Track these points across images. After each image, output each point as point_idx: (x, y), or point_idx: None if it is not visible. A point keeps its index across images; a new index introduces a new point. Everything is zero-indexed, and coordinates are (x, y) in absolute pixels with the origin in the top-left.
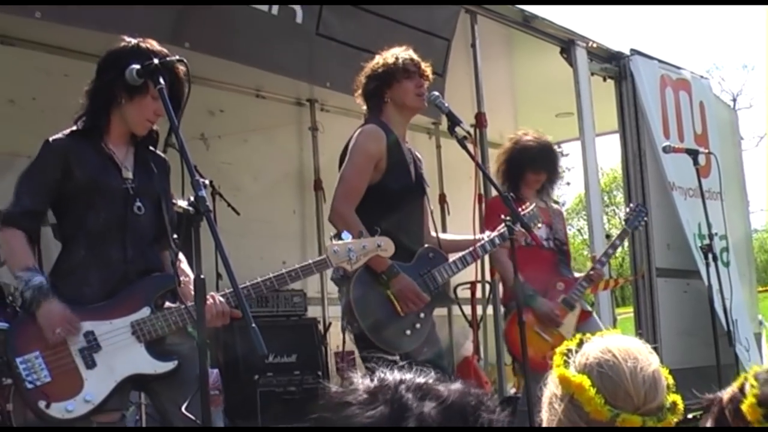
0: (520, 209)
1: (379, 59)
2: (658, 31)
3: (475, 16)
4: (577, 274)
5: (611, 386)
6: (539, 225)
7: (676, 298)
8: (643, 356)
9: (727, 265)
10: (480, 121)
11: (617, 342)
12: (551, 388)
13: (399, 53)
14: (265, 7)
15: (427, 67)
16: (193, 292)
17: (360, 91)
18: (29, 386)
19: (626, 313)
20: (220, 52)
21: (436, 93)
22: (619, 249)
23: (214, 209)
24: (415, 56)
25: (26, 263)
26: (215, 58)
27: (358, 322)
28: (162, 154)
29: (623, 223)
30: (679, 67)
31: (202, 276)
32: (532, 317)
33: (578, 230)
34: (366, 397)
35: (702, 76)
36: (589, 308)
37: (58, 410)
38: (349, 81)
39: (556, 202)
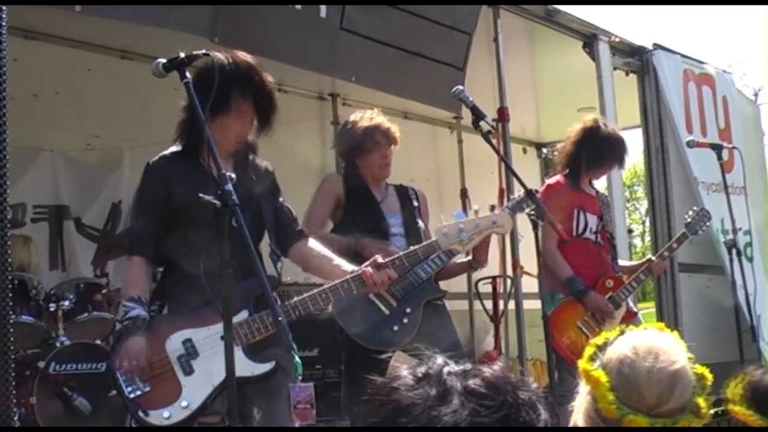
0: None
1: (356, 119)
2: (680, 25)
3: (497, 11)
4: (621, 262)
5: (627, 385)
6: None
7: (698, 293)
8: (667, 355)
9: (750, 260)
10: (502, 115)
11: (646, 338)
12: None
13: (372, 121)
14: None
15: (396, 132)
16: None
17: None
18: (130, 396)
19: (648, 308)
20: (247, 47)
21: (461, 87)
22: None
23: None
24: (386, 124)
25: (132, 293)
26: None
27: (346, 332)
28: (263, 162)
29: (685, 227)
30: (702, 62)
31: (229, 270)
32: (577, 311)
33: None
34: (413, 381)
35: (725, 71)
36: (635, 309)
37: (156, 417)
38: (374, 75)
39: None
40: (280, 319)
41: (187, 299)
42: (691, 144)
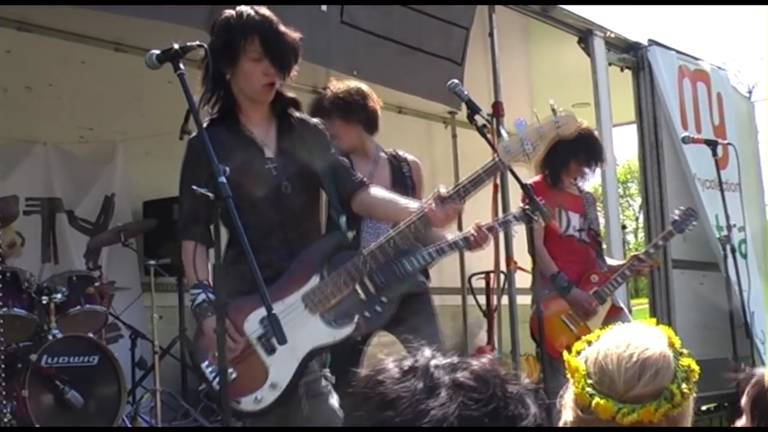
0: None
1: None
2: (675, 21)
3: (492, 6)
4: (609, 261)
5: (599, 372)
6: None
7: (692, 290)
8: (642, 343)
9: (745, 257)
10: (497, 110)
11: (628, 330)
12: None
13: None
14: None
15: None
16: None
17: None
18: (218, 387)
19: (641, 304)
20: None
21: (456, 81)
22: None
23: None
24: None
25: (194, 279)
26: None
27: None
28: (312, 119)
29: (671, 225)
30: (697, 58)
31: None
32: (562, 305)
33: None
34: (399, 374)
35: (720, 68)
36: (621, 304)
37: (249, 403)
38: (375, 69)
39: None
40: (273, 312)
41: (248, 277)
42: (686, 140)
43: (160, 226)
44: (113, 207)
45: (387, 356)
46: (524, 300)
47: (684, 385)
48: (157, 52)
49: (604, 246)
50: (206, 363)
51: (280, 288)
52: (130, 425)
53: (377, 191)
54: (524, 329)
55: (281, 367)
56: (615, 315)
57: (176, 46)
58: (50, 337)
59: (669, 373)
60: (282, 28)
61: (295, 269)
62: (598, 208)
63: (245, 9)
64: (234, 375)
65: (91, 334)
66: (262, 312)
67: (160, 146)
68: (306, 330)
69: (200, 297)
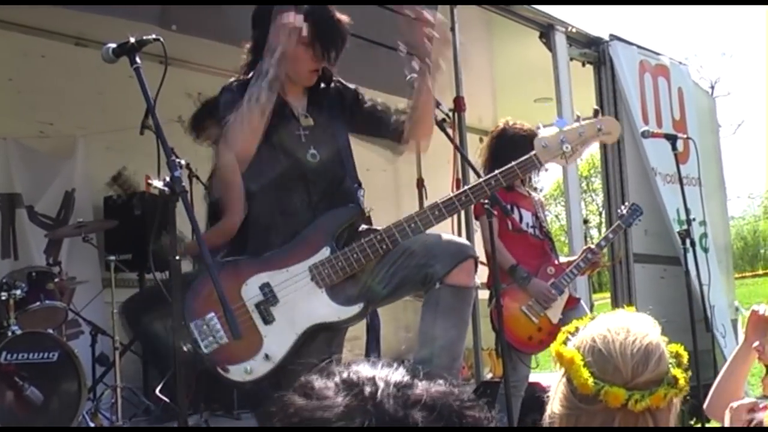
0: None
1: None
2: (637, 17)
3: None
4: (563, 259)
5: (601, 360)
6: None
7: (653, 284)
8: (640, 329)
9: (706, 251)
10: (458, 105)
11: (618, 318)
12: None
13: None
14: None
15: None
16: None
17: None
18: (206, 351)
19: (603, 298)
20: (208, 34)
21: (415, 75)
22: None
23: (191, 192)
24: None
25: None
26: (193, 39)
27: None
28: (339, 84)
29: (618, 219)
30: (657, 53)
31: (177, 258)
32: (520, 297)
33: (556, 216)
34: (343, 410)
35: (681, 63)
36: (577, 295)
37: (238, 372)
38: (338, 64)
39: (534, 188)
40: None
41: (268, 239)
42: (645, 134)
43: (121, 222)
44: (74, 202)
45: (320, 377)
46: (483, 294)
47: (677, 370)
48: (114, 45)
49: (566, 240)
50: (195, 323)
51: (286, 255)
52: (90, 422)
53: None
54: (486, 323)
55: (277, 339)
56: (573, 305)
57: (132, 39)
58: (9, 334)
59: (666, 358)
60: (336, 15)
61: (305, 237)
62: (561, 203)
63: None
64: (225, 340)
65: (51, 331)
66: (263, 277)
67: (121, 141)
68: (310, 303)
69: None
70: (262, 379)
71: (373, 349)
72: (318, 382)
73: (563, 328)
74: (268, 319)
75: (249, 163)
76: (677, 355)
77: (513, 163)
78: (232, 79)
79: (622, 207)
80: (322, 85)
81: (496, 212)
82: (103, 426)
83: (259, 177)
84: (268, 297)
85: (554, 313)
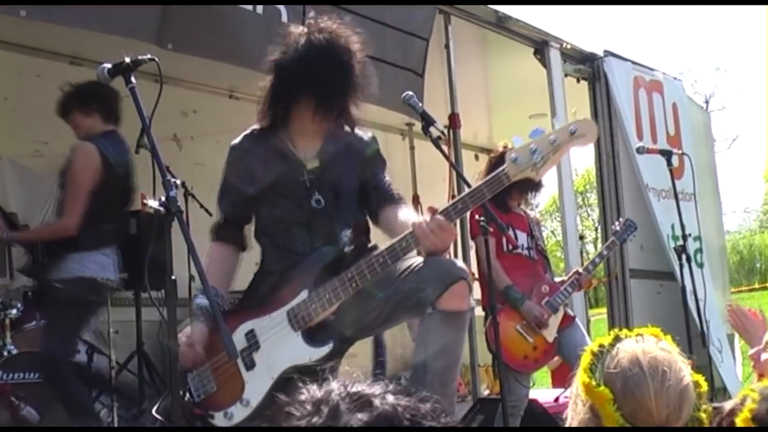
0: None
1: None
2: (631, 33)
3: (448, 17)
4: (557, 279)
5: (633, 404)
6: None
7: (649, 300)
8: (674, 372)
9: (701, 266)
10: (453, 121)
11: (649, 351)
12: (578, 387)
13: None
14: (249, 7)
15: None
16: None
17: None
18: (197, 400)
19: (599, 314)
20: (204, 53)
21: (411, 93)
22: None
23: (186, 210)
24: None
25: (207, 283)
26: (188, 57)
27: None
28: (365, 133)
29: (612, 235)
30: (652, 69)
31: (173, 277)
32: (515, 316)
33: (552, 231)
34: (310, 408)
35: (675, 78)
36: (572, 313)
37: (221, 419)
38: None
39: (529, 204)
40: (227, 330)
41: (261, 286)
42: (641, 150)
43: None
44: None
45: (308, 383)
46: (480, 311)
47: (704, 406)
48: (109, 66)
49: (562, 256)
50: (192, 375)
51: (271, 301)
52: None
53: (402, 208)
54: (481, 340)
55: (256, 384)
56: (568, 323)
57: (128, 59)
58: (5, 353)
59: (694, 399)
60: (344, 64)
61: (288, 282)
62: (556, 219)
63: (311, 41)
64: (214, 390)
65: None
66: (249, 325)
67: None
68: (286, 347)
69: (197, 300)
70: (240, 424)
71: (379, 365)
72: (309, 387)
73: (586, 348)
74: (249, 366)
75: (257, 214)
76: (697, 386)
77: (480, 182)
78: (245, 132)
79: (617, 223)
80: (346, 128)
81: (492, 229)
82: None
83: (267, 225)
84: (251, 344)
85: (549, 332)
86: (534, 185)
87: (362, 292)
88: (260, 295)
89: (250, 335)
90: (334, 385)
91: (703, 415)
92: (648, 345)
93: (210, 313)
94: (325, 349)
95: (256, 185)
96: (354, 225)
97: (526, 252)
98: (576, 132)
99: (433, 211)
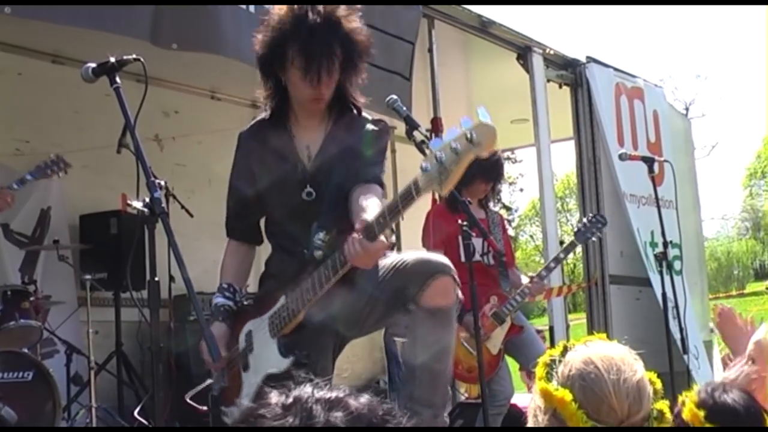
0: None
1: None
2: (613, 39)
3: (432, 21)
4: (524, 278)
5: (594, 401)
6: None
7: (628, 305)
8: (627, 366)
9: (678, 273)
10: (436, 126)
11: (600, 351)
12: (535, 400)
13: None
14: (242, 6)
15: None
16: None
17: None
18: (215, 393)
19: (578, 319)
20: (194, 46)
21: (395, 96)
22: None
23: (168, 211)
24: None
25: (221, 281)
26: (170, 58)
27: None
28: (370, 119)
29: (574, 235)
30: (633, 76)
31: (156, 279)
32: (459, 329)
33: (531, 236)
34: (279, 412)
35: (656, 85)
36: (523, 324)
37: (228, 415)
38: None
39: (508, 209)
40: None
41: (263, 286)
42: (623, 157)
43: (97, 241)
44: (49, 220)
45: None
46: None
47: (655, 400)
48: (93, 65)
49: (542, 261)
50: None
51: (265, 303)
52: None
53: (365, 195)
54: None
55: (248, 386)
56: (515, 334)
57: (112, 59)
58: None
59: (651, 391)
60: (328, 22)
61: (277, 285)
62: (536, 223)
63: (294, 8)
64: (226, 385)
65: (25, 350)
66: (249, 325)
67: (98, 159)
68: (265, 352)
69: (218, 299)
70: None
71: (395, 374)
72: (272, 394)
73: (540, 359)
74: (245, 367)
75: (262, 203)
76: (652, 382)
77: (396, 197)
78: (253, 121)
79: (584, 219)
80: (355, 112)
81: (474, 234)
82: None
83: (269, 225)
84: (248, 345)
85: (493, 344)
86: (499, 186)
87: (349, 289)
88: (261, 295)
89: (248, 336)
90: (304, 391)
91: (664, 407)
92: (598, 346)
93: (229, 312)
94: (286, 362)
95: (257, 181)
96: (340, 226)
97: (482, 258)
98: (474, 139)
99: (358, 230)
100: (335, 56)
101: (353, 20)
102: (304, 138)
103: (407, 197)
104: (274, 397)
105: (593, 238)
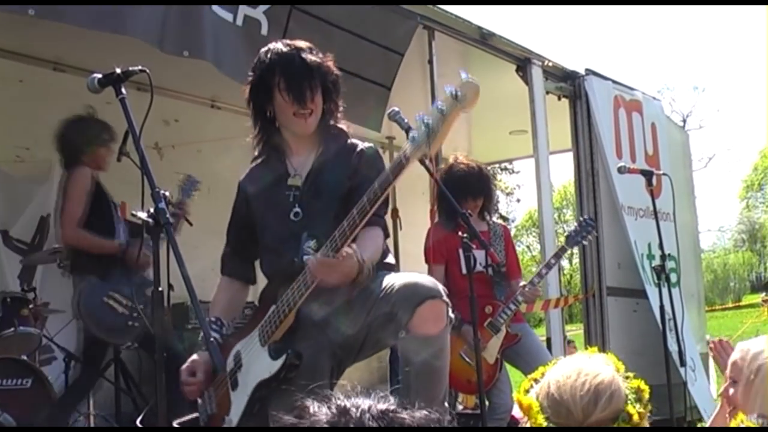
0: None
1: None
2: (612, 51)
3: (432, 33)
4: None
5: (554, 405)
6: None
7: (625, 317)
8: (590, 371)
9: (675, 285)
10: None
11: (572, 361)
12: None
13: None
14: (230, 17)
15: None
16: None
17: None
18: (202, 423)
19: (574, 330)
20: (193, 54)
21: (396, 109)
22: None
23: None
24: None
25: (209, 315)
26: (171, 66)
27: None
28: (360, 145)
29: (565, 239)
30: (632, 88)
31: (160, 289)
32: (458, 341)
33: (527, 247)
34: (330, 417)
35: (654, 98)
36: (525, 332)
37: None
38: None
39: (505, 219)
40: (212, 339)
41: (256, 311)
42: (622, 170)
43: None
44: (49, 227)
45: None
46: None
47: (638, 405)
48: (99, 76)
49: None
50: (200, 400)
51: (250, 325)
52: None
53: (363, 234)
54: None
55: (237, 403)
56: (510, 343)
57: (118, 70)
58: None
59: (622, 395)
60: (307, 56)
61: (265, 301)
62: (532, 234)
63: (273, 45)
64: (214, 411)
65: (24, 357)
66: (237, 346)
67: None
68: (257, 364)
69: (202, 333)
70: None
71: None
72: (313, 406)
73: (528, 376)
74: (233, 386)
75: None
76: (638, 391)
77: (385, 170)
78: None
79: (575, 224)
80: (344, 142)
81: (475, 246)
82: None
83: (264, 254)
84: (237, 364)
85: (490, 354)
86: (490, 199)
87: (345, 313)
88: (252, 315)
89: (237, 356)
90: (352, 403)
91: (632, 410)
92: (574, 358)
93: (214, 344)
94: (278, 362)
95: (254, 217)
96: (328, 235)
97: (485, 270)
98: (458, 95)
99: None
100: (316, 77)
101: (328, 59)
102: (294, 162)
103: (398, 166)
104: (317, 410)
105: (584, 242)
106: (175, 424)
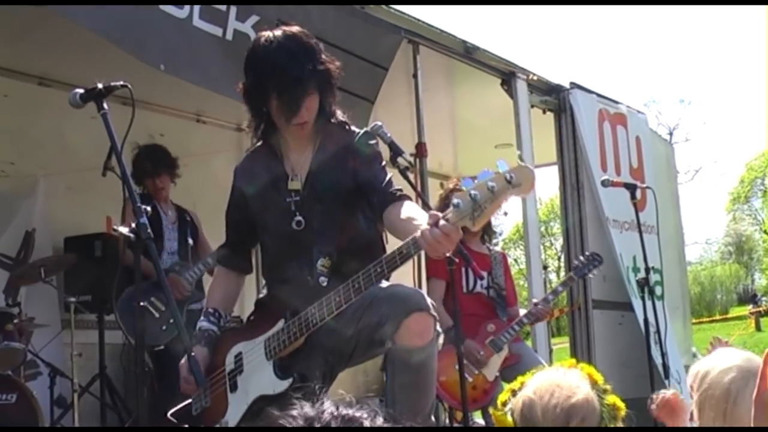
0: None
1: None
2: (597, 64)
3: (417, 47)
4: (522, 311)
5: (525, 423)
6: None
7: (611, 330)
8: (564, 390)
9: (660, 298)
10: (420, 150)
11: (549, 377)
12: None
13: None
14: (219, 32)
15: None
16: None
17: None
18: (194, 413)
19: (560, 343)
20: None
21: (379, 123)
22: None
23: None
24: None
25: (207, 306)
26: (155, 81)
27: None
28: (351, 134)
29: (572, 270)
30: (617, 102)
31: (142, 304)
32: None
33: (515, 260)
34: (301, 425)
35: (639, 111)
36: (526, 353)
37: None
38: None
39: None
40: (193, 354)
41: (257, 311)
42: (606, 183)
43: (81, 263)
44: (34, 242)
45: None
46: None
47: (611, 425)
48: (81, 91)
49: (526, 285)
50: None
51: (259, 326)
52: None
53: (408, 206)
54: None
55: (235, 407)
56: (512, 362)
57: (100, 85)
58: None
59: (595, 416)
60: (300, 60)
61: (273, 310)
62: (519, 247)
63: (266, 40)
64: (207, 405)
65: (9, 372)
66: (239, 347)
67: (82, 182)
68: (259, 374)
69: (203, 324)
70: None
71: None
72: (301, 403)
73: (507, 386)
74: (232, 388)
75: (256, 243)
76: (613, 408)
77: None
78: (248, 152)
79: (581, 257)
80: (339, 130)
81: (457, 260)
82: None
83: (264, 257)
84: (237, 366)
85: (490, 372)
86: (490, 223)
87: (336, 321)
88: (254, 319)
89: (238, 358)
90: (329, 408)
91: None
92: (551, 372)
93: (212, 337)
94: (285, 383)
95: (250, 210)
96: (338, 248)
97: (485, 291)
98: (513, 180)
99: (435, 218)
100: (311, 84)
101: (321, 52)
102: (292, 162)
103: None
104: (300, 408)
105: (590, 275)
106: (170, 414)
